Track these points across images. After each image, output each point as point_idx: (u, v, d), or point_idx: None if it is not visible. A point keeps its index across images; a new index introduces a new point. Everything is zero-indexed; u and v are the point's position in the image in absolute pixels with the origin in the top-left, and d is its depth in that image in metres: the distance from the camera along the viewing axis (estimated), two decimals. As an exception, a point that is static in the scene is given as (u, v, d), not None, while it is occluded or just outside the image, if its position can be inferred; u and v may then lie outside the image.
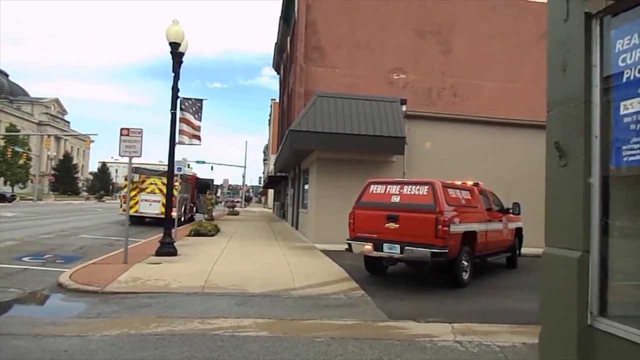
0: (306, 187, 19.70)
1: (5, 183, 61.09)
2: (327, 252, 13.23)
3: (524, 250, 12.96)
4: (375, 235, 8.95)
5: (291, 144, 15.57)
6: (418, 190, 8.78)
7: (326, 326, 5.98)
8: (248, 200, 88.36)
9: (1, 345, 4.80)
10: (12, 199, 46.16)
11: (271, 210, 54.71)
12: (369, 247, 8.96)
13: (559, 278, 3.49)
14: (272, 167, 49.67)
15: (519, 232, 12.37)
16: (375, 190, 9.32)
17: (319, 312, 6.68)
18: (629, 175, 3.21)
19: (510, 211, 11.58)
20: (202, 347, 4.93)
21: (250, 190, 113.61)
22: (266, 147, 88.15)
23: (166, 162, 11.96)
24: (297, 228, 22.27)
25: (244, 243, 15.28)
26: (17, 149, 57.78)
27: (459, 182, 10.21)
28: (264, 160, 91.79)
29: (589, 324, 3.25)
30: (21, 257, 10.88)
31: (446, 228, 8.31)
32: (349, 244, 9.36)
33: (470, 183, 10.56)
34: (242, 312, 6.48)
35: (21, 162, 59.98)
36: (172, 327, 5.63)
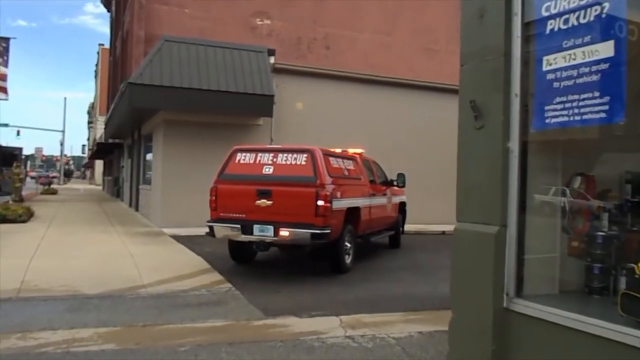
0: (149, 157, 18.80)
1: None
2: (179, 239, 12.81)
3: (406, 226, 13.75)
4: (243, 215, 8.76)
5: (130, 102, 14.61)
6: (295, 159, 8.74)
7: (190, 331, 5.71)
8: (69, 174, 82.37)
9: None
10: None
11: (100, 188, 51.99)
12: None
13: (473, 257, 3.66)
14: (100, 132, 46.83)
15: (402, 206, 13.05)
16: (243, 160, 9.08)
17: (179, 314, 6.37)
18: (551, 140, 3.43)
19: (395, 183, 12.11)
20: (23, 372, 4.38)
21: (71, 161, 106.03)
22: (92, 107, 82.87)
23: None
24: (137, 209, 21.27)
25: (69, 230, 14.11)
26: None
27: (339, 150, 10.38)
28: (89, 123, 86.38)
29: (505, 306, 3.45)
30: None
31: (328, 204, 8.41)
32: (210, 227, 9.05)
33: (355, 151, 10.83)
34: (78, 321, 5.91)
35: None
36: (-24, 349, 4.92)
